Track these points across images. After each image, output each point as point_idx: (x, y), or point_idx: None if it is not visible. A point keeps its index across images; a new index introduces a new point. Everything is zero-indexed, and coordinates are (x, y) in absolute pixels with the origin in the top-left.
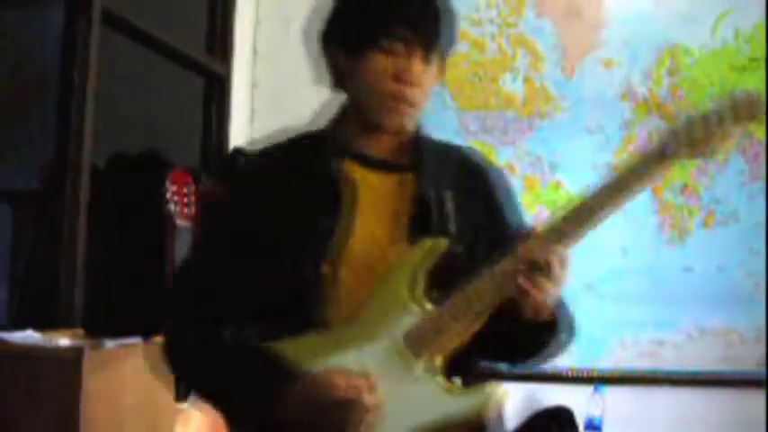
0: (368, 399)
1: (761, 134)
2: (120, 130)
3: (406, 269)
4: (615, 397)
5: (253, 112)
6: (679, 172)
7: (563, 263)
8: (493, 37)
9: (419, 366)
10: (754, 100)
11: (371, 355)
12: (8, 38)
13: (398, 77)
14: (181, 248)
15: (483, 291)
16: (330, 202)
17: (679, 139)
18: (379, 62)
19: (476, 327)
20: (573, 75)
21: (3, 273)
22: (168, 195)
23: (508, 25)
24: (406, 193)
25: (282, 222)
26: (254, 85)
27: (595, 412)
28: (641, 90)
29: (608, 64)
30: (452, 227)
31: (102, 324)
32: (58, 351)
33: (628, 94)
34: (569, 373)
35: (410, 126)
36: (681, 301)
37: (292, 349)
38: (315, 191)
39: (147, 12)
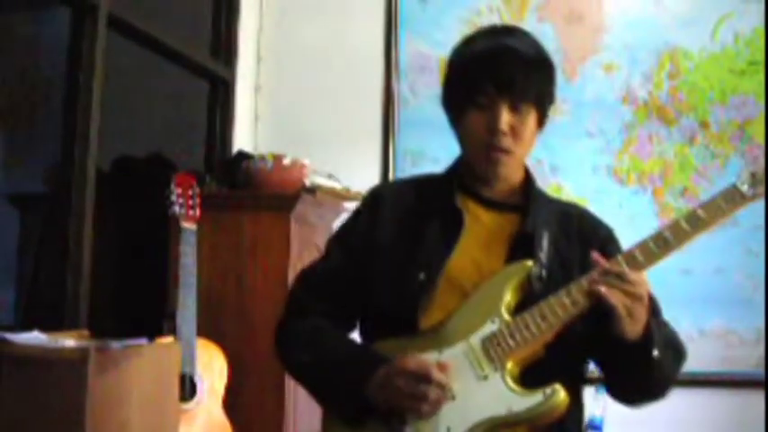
0: (436, 374)
1: (760, 137)
2: (126, 133)
3: (494, 285)
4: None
5: (256, 115)
6: (679, 175)
7: (637, 280)
8: None
9: (490, 366)
10: None
11: (448, 355)
12: (15, 42)
13: (489, 129)
14: (185, 250)
15: (555, 303)
16: (443, 224)
17: (759, 182)
18: (473, 117)
19: (548, 336)
20: (574, 78)
21: (10, 275)
22: (173, 198)
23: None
24: (508, 228)
25: (401, 239)
26: (257, 88)
27: (597, 412)
28: (641, 93)
29: (609, 68)
30: (543, 256)
31: (108, 325)
32: (64, 352)
33: (628, 98)
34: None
35: (506, 171)
36: (680, 303)
37: (387, 347)
38: (432, 217)
39: (152, 16)
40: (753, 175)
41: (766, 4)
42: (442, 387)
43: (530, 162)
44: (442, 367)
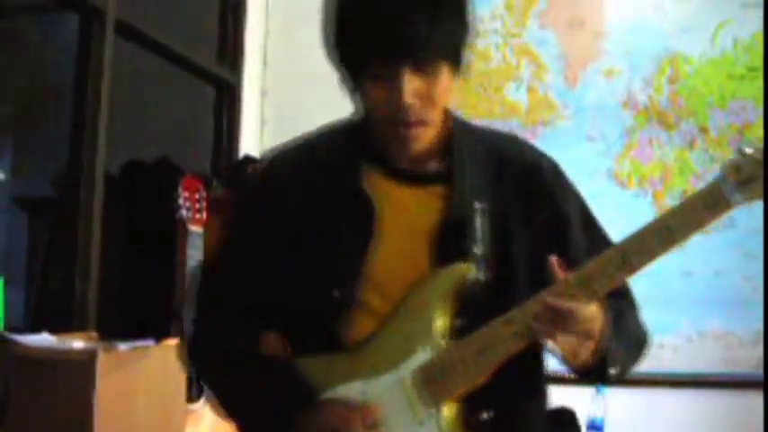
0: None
1: (758, 142)
2: (133, 137)
3: (421, 299)
4: (617, 398)
5: (262, 119)
6: (679, 179)
7: (586, 317)
8: (497, 47)
9: (424, 409)
10: None
11: (379, 389)
12: (24, 48)
13: (392, 103)
14: (192, 253)
15: (495, 335)
16: (350, 221)
17: (741, 184)
18: (371, 90)
19: (488, 373)
20: (575, 84)
21: (19, 277)
22: (180, 201)
23: (512, 36)
24: (433, 207)
25: (304, 241)
26: (263, 93)
27: (597, 413)
28: (642, 98)
29: (609, 73)
30: (478, 250)
31: (116, 327)
32: (73, 353)
33: (629, 102)
34: (572, 375)
35: (419, 142)
36: (680, 305)
37: (312, 368)
38: (336, 205)
39: (159, 22)
40: (738, 170)
41: (765, 11)
42: None
43: None
44: (367, 413)
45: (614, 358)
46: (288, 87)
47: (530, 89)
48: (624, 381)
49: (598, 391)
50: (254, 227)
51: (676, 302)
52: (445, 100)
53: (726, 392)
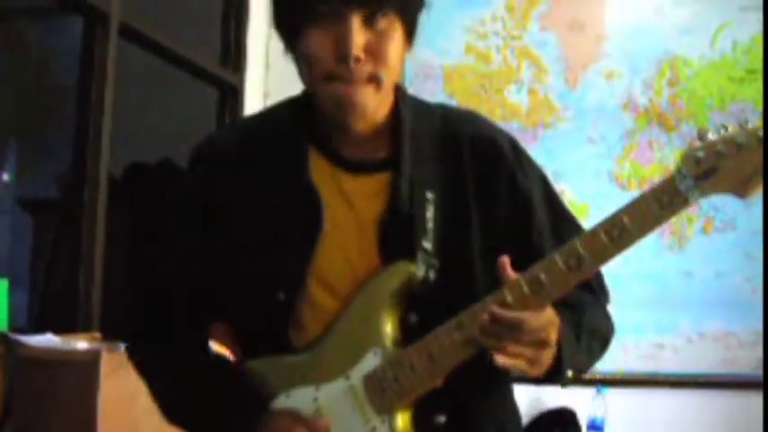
0: None
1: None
2: (137, 139)
3: (369, 299)
4: (617, 398)
5: None
6: None
7: (540, 326)
8: (498, 49)
9: (376, 416)
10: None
11: (329, 396)
12: (28, 51)
13: (337, 54)
14: None
15: (445, 341)
16: (293, 213)
17: (701, 177)
18: (313, 37)
19: (439, 380)
20: (576, 86)
21: (23, 278)
22: None
23: (513, 38)
24: (381, 197)
25: (246, 236)
26: (266, 95)
27: (598, 413)
28: (642, 100)
29: (610, 75)
30: (427, 245)
31: (119, 328)
32: (76, 354)
33: (629, 105)
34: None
35: (369, 111)
36: (681, 306)
37: (262, 371)
38: (280, 196)
39: (162, 25)
40: (697, 162)
41: (764, 13)
42: None
43: None
44: (319, 426)
45: (573, 361)
46: (290, 90)
47: (530, 91)
48: (624, 381)
49: (598, 391)
50: (186, 224)
51: (677, 303)
52: (397, 67)
53: (725, 393)
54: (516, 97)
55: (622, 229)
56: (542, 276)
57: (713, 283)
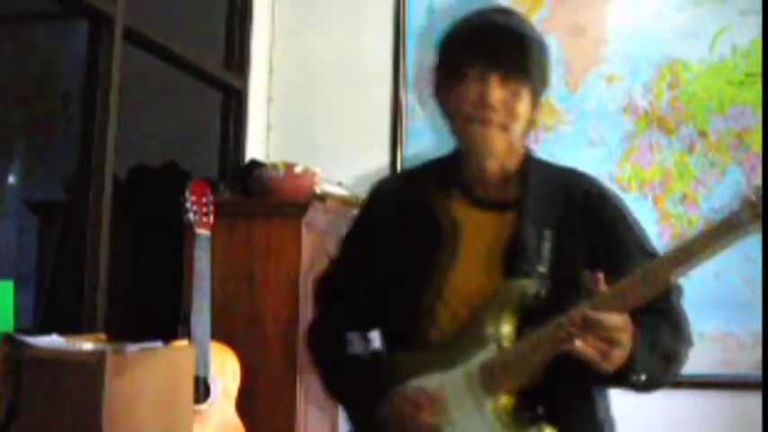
0: (424, 416)
1: (757, 147)
2: (142, 142)
3: (491, 307)
4: (617, 398)
5: (269, 125)
6: (678, 183)
7: (616, 326)
8: None
9: (485, 397)
10: None
11: (451, 380)
12: (34, 54)
13: (478, 102)
14: (199, 256)
15: (546, 337)
16: (439, 240)
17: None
18: (460, 91)
19: (539, 369)
20: (577, 89)
21: (29, 279)
22: (187, 205)
23: None
24: (505, 231)
25: (400, 254)
26: (269, 99)
27: None
28: (642, 103)
29: (610, 79)
30: (543, 268)
31: (124, 329)
32: (82, 355)
33: (629, 108)
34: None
35: (499, 151)
36: None
37: (398, 362)
38: (429, 224)
39: (167, 28)
40: (749, 202)
41: (763, 17)
42: (429, 427)
43: None
44: (436, 398)
45: (640, 367)
46: (293, 93)
47: None
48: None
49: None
50: (361, 244)
51: None
52: (524, 121)
53: (724, 393)
54: None
55: (691, 253)
56: (623, 288)
57: (712, 284)
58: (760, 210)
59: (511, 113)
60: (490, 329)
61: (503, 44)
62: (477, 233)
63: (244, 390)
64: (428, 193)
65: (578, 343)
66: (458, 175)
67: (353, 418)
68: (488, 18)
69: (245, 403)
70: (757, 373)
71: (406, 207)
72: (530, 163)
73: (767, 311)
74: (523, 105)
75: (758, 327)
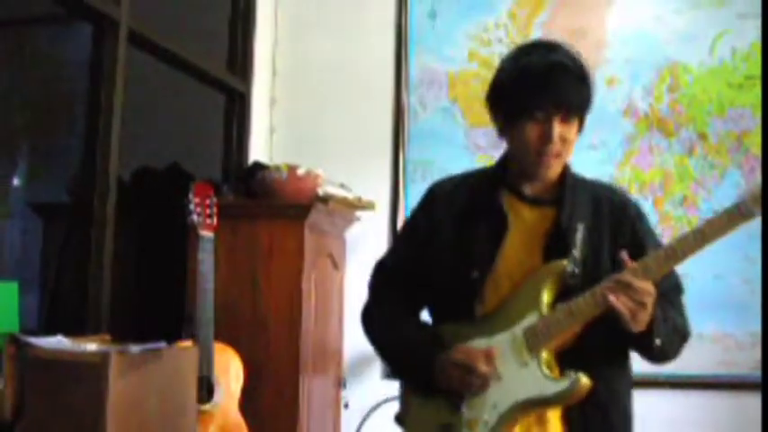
0: (480, 365)
1: (756, 149)
2: (146, 144)
3: (534, 282)
4: None
5: (271, 127)
6: (678, 185)
7: (643, 290)
8: (501, 56)
9: (529, 354)
10: None
11: (497, 342)
12: (39, 58)
13: (542, 139)
14: (203, 257)
15: (581, 304)
16: (490, 226)
17: (758, 200)
18: (529, 128)
19: (576, 329)
20: None
21: (34, 281)
22: (191, 207)
23: (516, 45)
24: (546, 223)
25: (455, 239)
26: (272, 101)
27: None
28: (642, 106)
29: (611, 81)
30: (577, 253)
31: (128, 330)
32: (86, 356)
33: (630, 110)
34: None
35: (553, 173)
36: None
37: (449, 331)
38: (481, 217)
39: (171, 32)
40: (753, 194)
41: (763, 21)
42: (484, 376)
43: None
44: (488, 354)
45: (658, 332)
46: (296, 96)
47: None
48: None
49: None
50: (422, 228)
51: None
52: (573, 144)
53: (724, 393)
54: None
55: (702, 234)
56: (649, 261)
57: (712, 285)
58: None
59: (567, 143)
60: (533, 300)
61: (565, 88)
62: (521, 222)
63: (247, 390)
64: (486, 191)
65: (612, 298)
66: (508, 178)
67: (412, 383)
68: (553, 59)
69: (249, 403)
70: (756, 373)
71: (464, 201)
72: (568, 172)
73: (766, 312)
74: (574, 133)
75: (757, 327)
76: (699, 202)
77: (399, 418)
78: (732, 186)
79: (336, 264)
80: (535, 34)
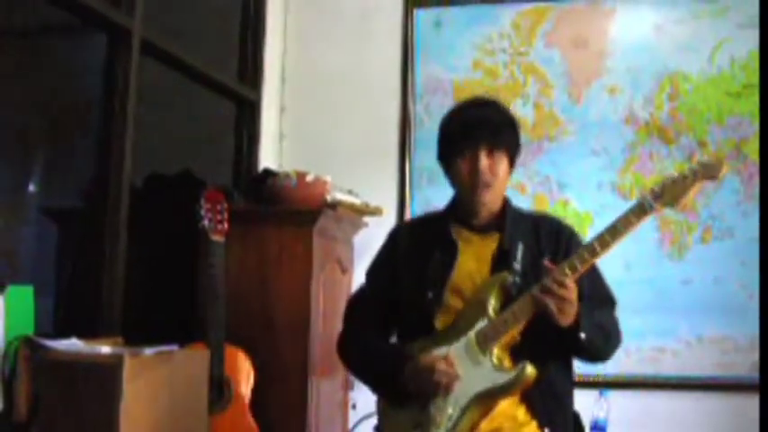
0: (440, 365)
1: (754, 156)
2: (158, 151)
3: (483, 292)
4: (619, 400)
5: (281, 134)
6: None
7: (565, 284)
8: (505, 65)
9: (481, 353)
10: (714, 164)
11: (455, 348)
12: (54, 66)
13: (472, 172)
14: (214, 262)
15: (521, 304)
16: (443, 254)
17: (657, 197)
18: (460, 164)
19: (520, 327)
20: (579, 100)
21: (48, 285)
22: (202, 212)
23: (519, 54)
24: (492, 246)
25: (414, 267)
26: (282, 109)
27: (600, 414)
28: (643, 114)
29: (612, 90)
30: (518, 266)
31: (141, 333)
32: (100, 358)
33: (630, 119)
34: (577, 378)
35: (491, 203)
36: (680, 311)
37: (414, 346)
38: (435, 247)
39: (182, 41)
40: (653, 191)
41: (761, 31)
42: (448, 375)
43: (538, 179)
44: (448, 360)
45: (584, 326)
46: (304, 104)
47: (536, 105)
48: (626, 384)
49: (601, 393)
50: (386, 263)
51: (676, 309)
52: (504, 178)
53: (723, 395)
54: (522, 111)
55: (615, 229)
56: (574, 260)
57: (711, 289)
58: (659, 194)
59: (495, 174)
60: (482, 308)
61: (489, 128)
62: (470, 248)
63: (257, 392)
64: (436, 226)
65: (539, 296)
66: (456, 214)
67: (386, 394)
68: (477, 113)
69: (259, 405)
70: (755, 375)
71: (421, 235)
72: (508, 204)
73: (764, 315)
74: (503, 168)
75: (756, 330)
76: (698, 208)
77: (378, 429)
78: (731, 193)
79: (344, 268)
80: (538, 44)
